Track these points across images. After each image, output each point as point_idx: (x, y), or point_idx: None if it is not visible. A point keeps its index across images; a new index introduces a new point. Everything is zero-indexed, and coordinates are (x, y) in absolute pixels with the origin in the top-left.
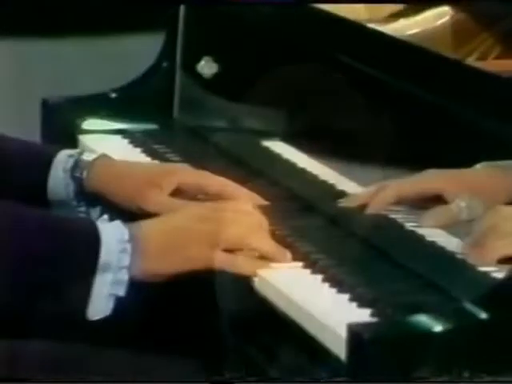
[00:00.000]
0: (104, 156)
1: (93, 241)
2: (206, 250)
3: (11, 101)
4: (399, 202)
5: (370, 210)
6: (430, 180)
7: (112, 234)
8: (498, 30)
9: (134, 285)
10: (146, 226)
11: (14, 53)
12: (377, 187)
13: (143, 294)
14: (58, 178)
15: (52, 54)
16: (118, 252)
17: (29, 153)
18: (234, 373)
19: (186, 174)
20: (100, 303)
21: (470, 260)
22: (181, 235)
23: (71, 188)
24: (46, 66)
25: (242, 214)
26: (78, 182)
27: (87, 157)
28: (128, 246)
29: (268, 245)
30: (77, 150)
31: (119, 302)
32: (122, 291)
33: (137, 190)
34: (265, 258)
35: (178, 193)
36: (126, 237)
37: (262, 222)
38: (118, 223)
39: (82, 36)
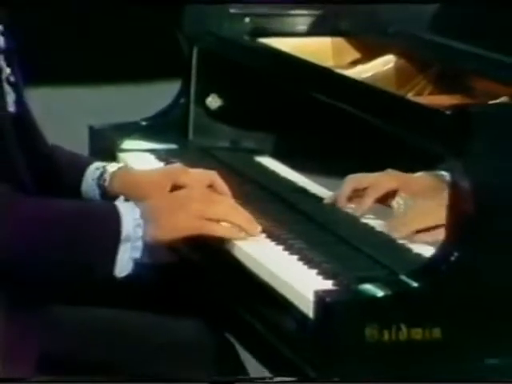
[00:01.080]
0: (122, 167)
1: (116, 220)
2: (194, 220)
3: (72, 124)
4: (357, 193)
5: (339, 204)
6: (386, 178)
7: (128, 213)
8: (430, 73)
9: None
10: (151, 205)
11: (75, 94)
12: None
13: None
14: (87, 184)
15: (98, 94)
16: (133, 226)
17: (71, 162)
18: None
19: (181, 172)
20: (123, 264)
21: (400, 235)
22: (175, 210)
23: (97, 192)
24: (94, 101)
25: (222, 197)
26: (102, 189)
27: (111, 167)
28: (140, 222)
29: (242, 218)
30: (103, 164)
31: (136, 266)
32: (138, 254)
33: (143, 192)
34: (240, 229)
35: (178, 188)
36: (138, 215)
37: (237, 205)
38: (131, 204)
39: (123, 80)
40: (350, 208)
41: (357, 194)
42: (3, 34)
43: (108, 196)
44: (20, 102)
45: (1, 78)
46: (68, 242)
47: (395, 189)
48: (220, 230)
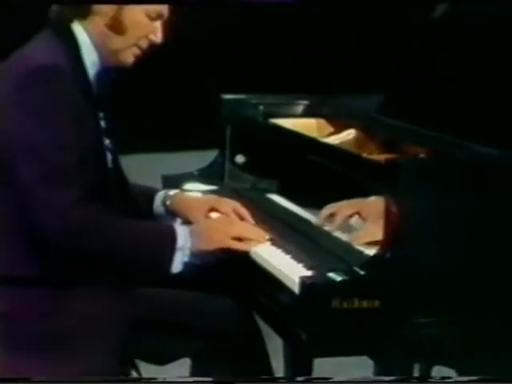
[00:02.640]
0: (178, 192)
1: (173, 236)
2: (224, 238)
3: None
4: (332, 216)
5: (319, 223)
6: (350, 205)
7: (181, 232)
8: (376, 141)
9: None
10: (195, 226)
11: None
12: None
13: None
14: (157, 205)
15: (167, 159)
16: (184, 240)
17: (145, 192)
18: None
19: (216, 200)
20: (177, 264)
21: (354, 244)
22: (211, 231)
23: (162, 209)
24: (164, 161)
25: (241, 222)
26: (165, 207)
27: (171, 192)
28: (189, 237)
29: (253, 234)
30: (166, 190)
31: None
32: (187, 258)
33: (190, 210)
34: (252, 241)
35: (214, 210)
36: (188, 233)
37: (250, 225)
38: (184, 226)
39: (183, 150)
40: (327, 226)
41: (331, 217)
42: (105, 119)
43: (169, 212)
44: (115, 160)
45: (104, 145)
46: (144, 250)
47: (357, 211)
48: (239, 245)
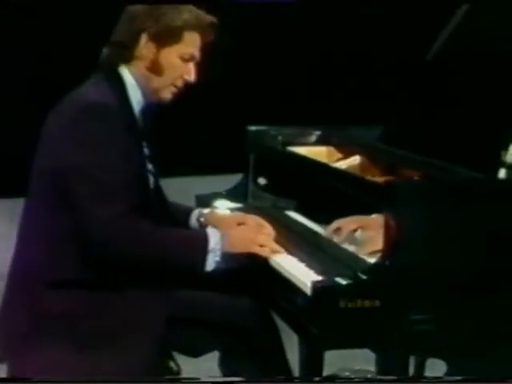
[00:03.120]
0: (211, 211)
1: (206, 240)
2: (250, 244)
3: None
4: (339, 229)
5: (328, 235)
6: (354, 220)
7: (213, 236)
8: (378, 166)
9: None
10: (226, 231)
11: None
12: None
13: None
14: (191, 222)
15: (200, 181)
16: (215, 243)
17: (183, 210)
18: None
19: (242, 216)
20: (210, 264)
21: (359, 253)
22: (240, 237)
23: (197, 225)
24: (197, 183)
25: (264, 233)
26: (199, 223)
27: (205, 211)
28: (219, 241)
29: (274, 245)
30: (199, 209)
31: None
32: (218, 258)
33: (221, 225)
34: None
35: (241, 224)
36: (218, 237)
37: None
38: (215, 230)
39: (214, 174)
40: (335, 238)
41: (339, 231)
42: (148, 147)
43: (202, 227)
44: (156, 182)
45: (147, 169)
46: (181, 252)
47: (360, 226)
48: (262, 250)
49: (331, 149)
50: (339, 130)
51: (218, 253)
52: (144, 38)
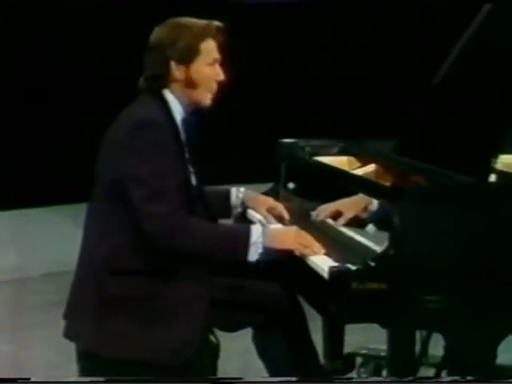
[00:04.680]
0: (245, 190)
1: (248, 233)
2: (292, 242)
3: None
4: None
5: (313, 217)
6: (333, 204)
7: (255, 231)
8: (390, 172)
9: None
10: (269, 229)
11: None
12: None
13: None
14: (232, 200)
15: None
16: (257, 237)
17: (222, 191)
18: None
19: (272, 202)
20: (253, 255)
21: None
22: (283, 235)
23: (236, 201)
24: None
25: (306, 234)
26: (239, 199)
27: (241, 189)
28: (261, 235)
29: (315, 246)
30: (236, 187)
31: (260, 256)
32: (260, 250)
33: (256, 203)
34: (313, 250)
35: (271, 208)
36: (260, 232)
37: (312, 239)
38: (258, 226)
39: (251, 180)
40: (318, 217)
41: (320, 212)
42: (189, 152)
43: (241, 202)
44: (198, 180)
45: (189, 171)
46: (227, 245)
47: (338, 207)
48: (303, 250)
49: (351, 158)
50: (359, 142)
51: (260, 245)
52: (173, 65)
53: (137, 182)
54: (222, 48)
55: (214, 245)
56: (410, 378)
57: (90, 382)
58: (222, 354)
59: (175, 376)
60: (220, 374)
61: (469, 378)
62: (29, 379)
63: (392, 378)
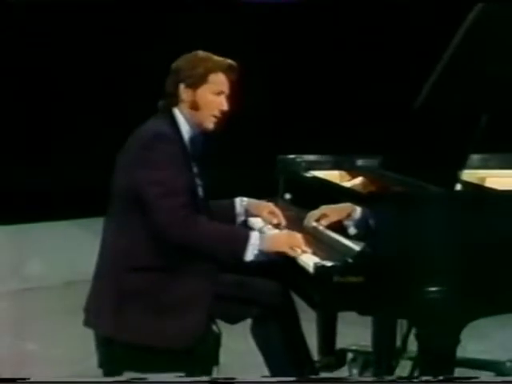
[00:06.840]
0: (249, 199)
1: (247, 237)
2: (284, 245)
3: None
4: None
5: (310, 219)
6: (320, 210)
7: (253, 235)
8: (377, 184)
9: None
10: (266, 235)
11: None
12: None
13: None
14: (237, 208)
15: None
16: (255, 239)
17: (227, 203)
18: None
19: (272, 207)
20: (249, 256)
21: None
22: (276, 239)
23: (240, 208)
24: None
25: (298, 236)
26: (242, 207)
27: (245, 198)
28: (258, 239)
29: (303, 245)
30: (240, 197)
31: (255, 257)
32: (256, 251)
33: (258, 208)
34: (302, 251)
35: (271, 212)
36: (257, 236)
37: (302, 240)
38: (256, 232)
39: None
40: (308, 223)
41: (309, 218)
42: (197, 166)
43: (244, 209)
44: (204, 193)
45: (196, 184)
46: (226, 245)
47: (324, 212)
48: (294, 252)
49: (342, 173)
50: (349, 158)
51: (257, 247)
52: (182, 87)
53: (154, 184)
54: (233, 84)
55: (217, 241)
56: (392, 378)
57: (91, 381)
58: (223, 354)
59: (182, 360)
60: (220, 374)
61: (440, 377)
62: (28, 379)
63: (393, 378)
